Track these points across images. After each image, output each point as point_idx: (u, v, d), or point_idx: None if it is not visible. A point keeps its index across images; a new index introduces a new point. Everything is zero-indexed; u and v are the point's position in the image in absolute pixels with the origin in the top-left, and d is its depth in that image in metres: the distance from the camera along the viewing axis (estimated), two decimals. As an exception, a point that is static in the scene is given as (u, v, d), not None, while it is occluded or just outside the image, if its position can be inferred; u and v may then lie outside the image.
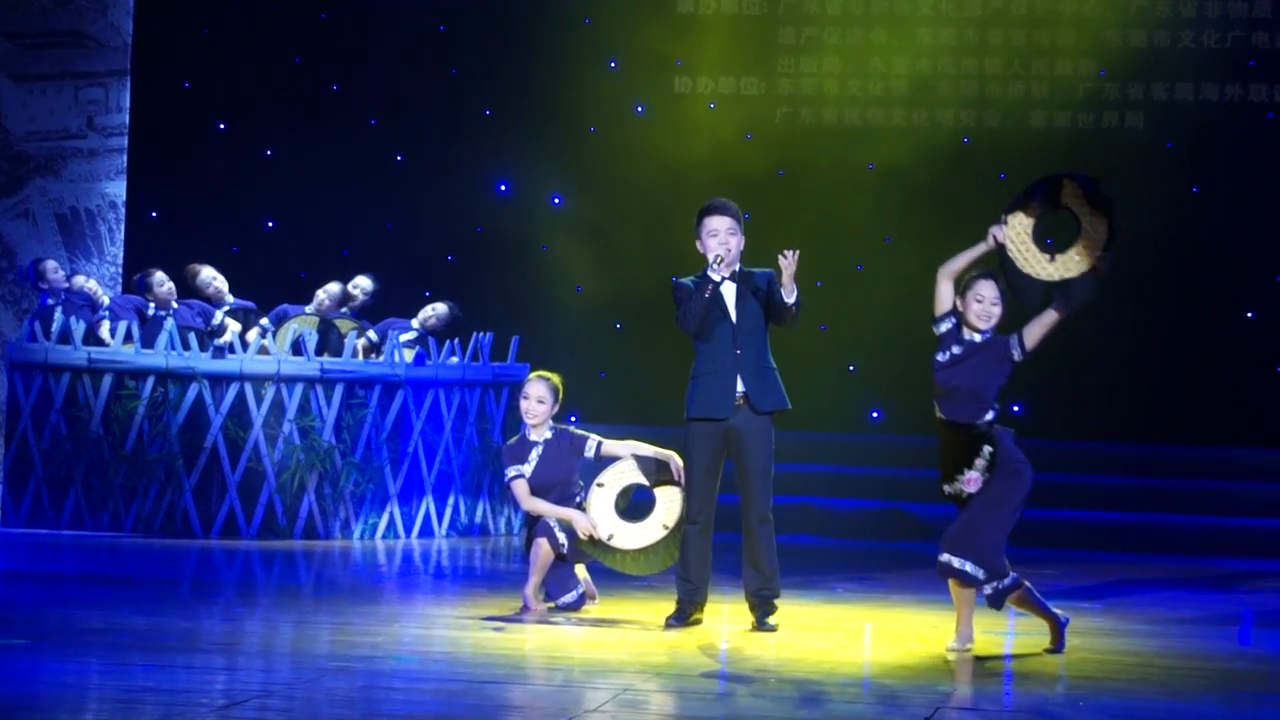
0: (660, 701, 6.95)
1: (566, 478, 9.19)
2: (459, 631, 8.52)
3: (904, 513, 13.73)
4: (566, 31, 15.73)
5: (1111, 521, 13.51)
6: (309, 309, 13.28)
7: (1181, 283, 15.16)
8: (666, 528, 8.99)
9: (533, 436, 9.25)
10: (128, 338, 12.39)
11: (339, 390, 12.30)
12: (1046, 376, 15.06)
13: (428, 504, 12.70)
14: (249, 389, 12.17)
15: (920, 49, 15.55)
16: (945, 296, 8.40)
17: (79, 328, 12.48)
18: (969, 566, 8.18)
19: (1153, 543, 13.12)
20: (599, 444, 9.19)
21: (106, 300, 13.44)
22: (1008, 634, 9.08)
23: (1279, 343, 15.12)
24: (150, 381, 12.26)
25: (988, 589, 8.16)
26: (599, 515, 9.04)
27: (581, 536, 9.01)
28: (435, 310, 13.44)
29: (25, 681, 6.89)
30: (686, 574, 8.81)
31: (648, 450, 9.13)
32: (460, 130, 15.96)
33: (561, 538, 9.03)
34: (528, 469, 9.18)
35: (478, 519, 13.04)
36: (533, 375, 9.41)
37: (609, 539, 9.02)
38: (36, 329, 12.60)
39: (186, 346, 12.25)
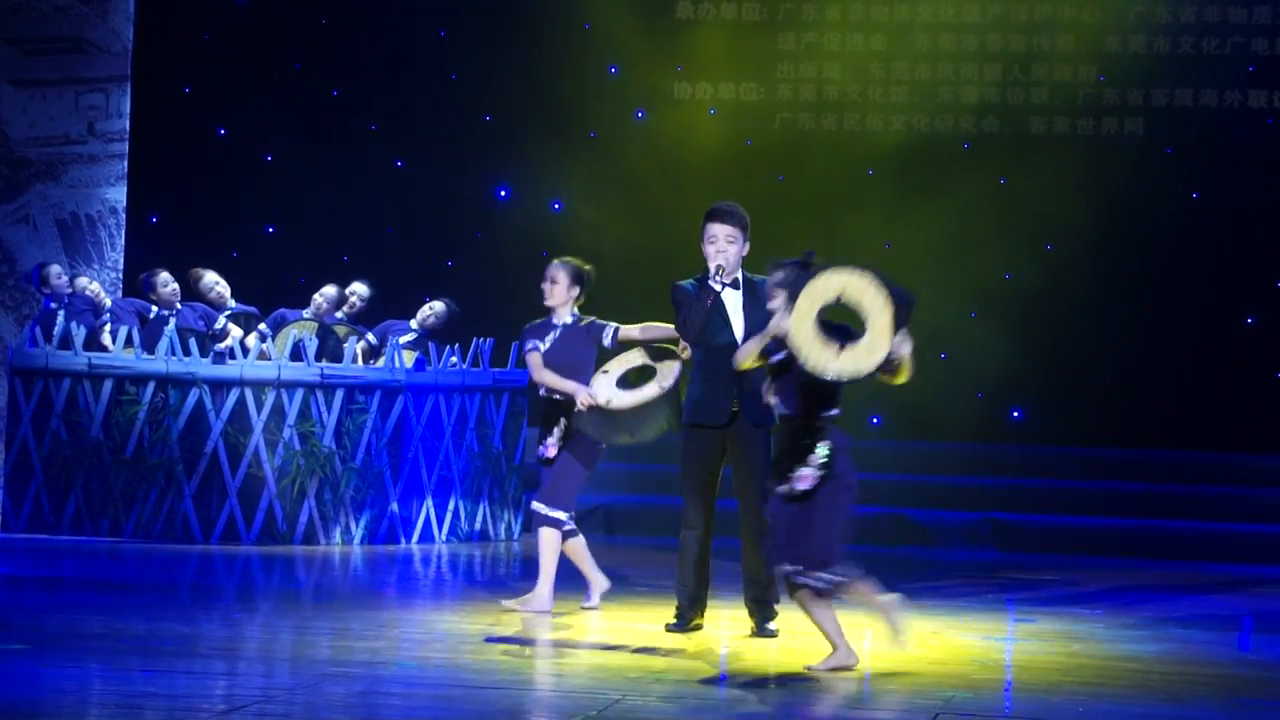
0: (660, 707, 6.95)
1: (582, 363, 9.23)
2: (459, 637, 8.52)
3: (904, 518, 13.73)
4: (566, 37, 15.74)
5: (1112, 527, 13.51)
6: (306, 313, 13.27)
7: (1182, 288, 15.17)
8: (663, 388, 8.96)
9: (555, 319, 9.35)
10: (128, 342, 12.40)
11: (339, 395, 12.29)
12: (1047, 382, 15.12)
13: (428, 509, 12.70)
14: (249, 394, 12.17)
15: (920, 55, 15.57)
16: (754, 364, 7.95)
17: (79, 333, 12.49)
18: (812, 576, 7.80)
19: (1153, 548, 13.12)
20: (616, 330, 9.27)
21: (109, 303, 13.44)
22: (1008, 639, 9.08)
23: (1279, 348, 15.14)
24: (151, 387, 12.26)
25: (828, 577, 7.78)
26: (599, 390, 9.06)
27: (580, 407, 9.02)
28: (433, 309, 13.44)
29: (25, 686, 6.89)
30: (685, 579, 8.80)
31: (661, 331, 9.14)
32: (460, 136, 15.97)
33: (568, 520, 9.15)
34: (544, 345, 9.27)
35: (478, 524, 13.04)
36: (556, 260, 9.47)
37: (606, 404, 8.99)
38: (38, 334, 12.61)
39: (187, 351, 12.24)
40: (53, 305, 13.31)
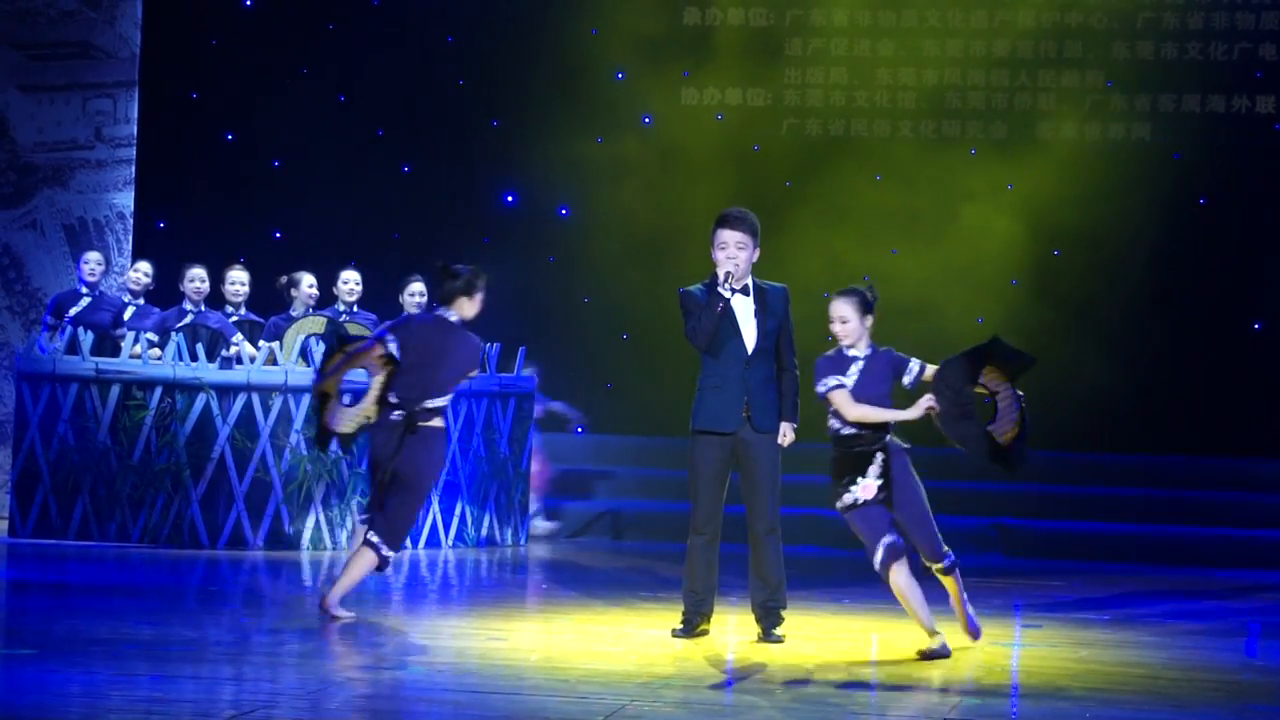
0: (667, 713, 6.95)
1: (880, 397, 8.57)
2: (465, 642, 8.52)
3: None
4: (573, 42, 15.74)
5: (1119, 532, 13.50)
6: (295, 312, 13.00)
7: (1188, 293, 15.16)
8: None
9: (850, 351, 8.61)
10: (135, 341, 12.43)
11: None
12: (1052, 387, 15.09)
13: (434, 515, 12.71)
14: (256, 399, 12.18)
15: (927, 60, 15.57)
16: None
17: (87, 339, 12.49)
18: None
19: (1160, 554, 13.11)
20: (922, 368, 8.60)
21: (142, 301, 13.35)
22: (1015, 645, 9.07)
23: (1285, 354, 15.14)
24: (158, 392, 12.27)
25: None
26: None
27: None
28: (411, 290, 13.01)
29: (32, 691, 6.89)
30: (693, 585, 8.80)
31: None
32: (467, 141, 15.97)
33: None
34: (848, 381, 8.56)
35: (484, 530, 13.04)
36: (835, 294, 8.74)
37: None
38: (43, 338, 12.63)
39: (194, 356, 12.24)
40: (83, 289, 13.38)
